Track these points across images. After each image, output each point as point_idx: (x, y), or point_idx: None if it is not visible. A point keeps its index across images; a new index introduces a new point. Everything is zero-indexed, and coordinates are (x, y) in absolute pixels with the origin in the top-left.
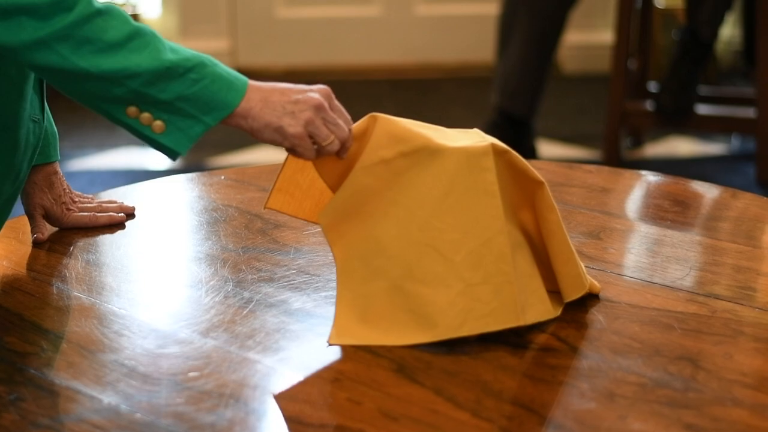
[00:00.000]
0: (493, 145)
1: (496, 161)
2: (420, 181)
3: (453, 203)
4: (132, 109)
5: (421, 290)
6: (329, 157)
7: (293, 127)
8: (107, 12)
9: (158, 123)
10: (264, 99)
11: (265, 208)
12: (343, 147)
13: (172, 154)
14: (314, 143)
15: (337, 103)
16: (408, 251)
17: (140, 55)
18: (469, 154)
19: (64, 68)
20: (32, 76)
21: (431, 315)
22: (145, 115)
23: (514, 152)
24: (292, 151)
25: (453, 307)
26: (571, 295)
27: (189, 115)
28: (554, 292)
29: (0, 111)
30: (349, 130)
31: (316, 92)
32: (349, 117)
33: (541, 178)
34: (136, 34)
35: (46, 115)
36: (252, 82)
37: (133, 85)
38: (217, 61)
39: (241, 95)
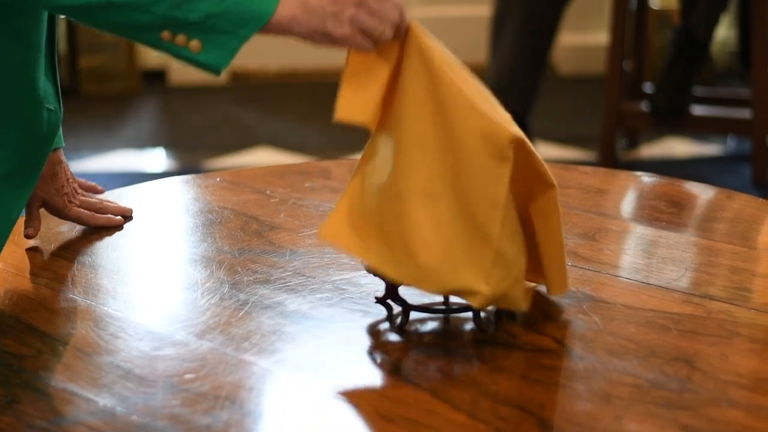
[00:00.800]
0: (517, 137)
1: (516, 153)
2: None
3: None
4: (165, 34)
5: (415, 218)
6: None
7: (339, 29)
8: None
9: (194, 43)
10: (303, 2)
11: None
12: (399, 30)
13: (214, 70)
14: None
15: None
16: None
17: None
18: (492, 134)
19: (86, 2)
20: (41, 60)
21: (416, 251)
22: (180, 38)
23: (532, 149)
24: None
25: (441, 255)
26: (557, 290)
27: (224, 31)
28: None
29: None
30: (400, 10)
31: None
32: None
33: (554, 181)
34: None
35: (61, 105)
36: None
37: (158, 10)
38: None
39: (275, 3)
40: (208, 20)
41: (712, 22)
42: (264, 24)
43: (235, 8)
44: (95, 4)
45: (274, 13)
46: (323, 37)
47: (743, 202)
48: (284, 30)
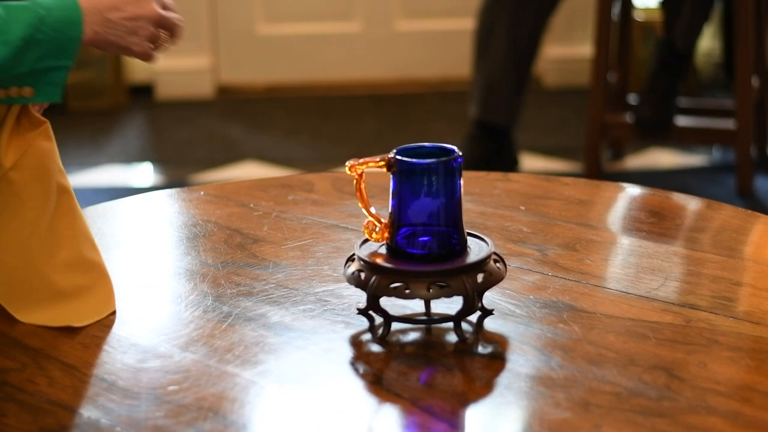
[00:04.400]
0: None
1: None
2: None
3: None
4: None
5: None
6: None
7: (138, 46)
8: None
9: (27, 89)
10: (104, 21)
11: None
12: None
13: (51, 103)
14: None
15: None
16: None
17: None
18: None
19: None
20: None
21: None
22: (13, 90)
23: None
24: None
25: None
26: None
27: (49, 69)
28: None
29: None
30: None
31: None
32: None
33: (68, 185)
34: None
35: None
36: (84, 5)
37: None
38: (46, 1)
39: (80, 27)
40: (36, 65)
41: (695, 34)
42: (77, 48)
43: (53, 45)
44: None
45: (82, 36)
46: (122, 51)
47: (724, 213)
48: (92, 45)
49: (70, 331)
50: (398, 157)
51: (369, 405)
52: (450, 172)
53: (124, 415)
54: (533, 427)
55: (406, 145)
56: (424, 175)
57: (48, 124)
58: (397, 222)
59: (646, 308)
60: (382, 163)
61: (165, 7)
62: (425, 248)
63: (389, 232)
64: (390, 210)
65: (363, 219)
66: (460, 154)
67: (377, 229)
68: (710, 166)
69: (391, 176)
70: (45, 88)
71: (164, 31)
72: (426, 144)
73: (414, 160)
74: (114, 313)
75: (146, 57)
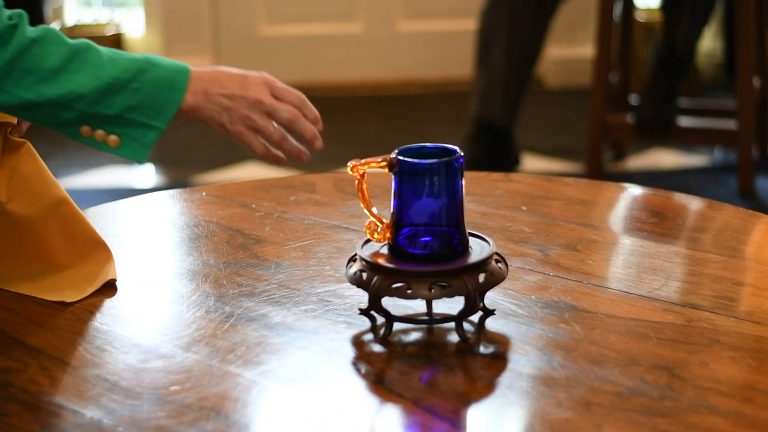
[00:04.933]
0: None
1: None
2: None
3: None
4: (85, 129)
5: None
6: None
7: (232, 125)
8: (43, 38)
9: (113, 138)
10: (205, 91)
11: None
12: (297, 126)
13: (134, 162)
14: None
15: (281, 85)
16: None
17: (81, 75)
18: None
19: (11, 103)
20: None
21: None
22: (99, 133)
23: None
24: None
25: None
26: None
27: (139, 124)
28: None
29: None
30: (300, 106)
31: (255, 83)
32: (299, 94)
33: (64, 194)
34: (74, 55)
35: None
36: (193, 71)
37: (80, 107)
38: (156, 59)
39: (182, 93)
40: (125, 114)
41: (695, 36)
42: (174, 114)
43: (148, 100)
44: (20, 103)
45: (182, 102)
46: (219, 127)
47: (727, 213)
48: (190, 115)
49: (71, 331)
50: (400, 157)
51: (371, 405)
52: (452, 172)
53: (126, 415)
54: (535, 427)
55: (408, 146)
56: (426, 175)
57: (28, 144)
58: (399, 222)
59: (648, 308)
60: (384, 163)
61: (277, 96)
62: (427, 248)
63: (391, 233)
64: (392, 210)
65: (365, 219)
66: (462, 154)
67: (379, 230)
68: (711, 166)
69: (393, 176)
70: (132, 144)
71: (270, 116)
72: (427, 144)
73: (416, 160)
74: (114, 283)
75: (242, 137)
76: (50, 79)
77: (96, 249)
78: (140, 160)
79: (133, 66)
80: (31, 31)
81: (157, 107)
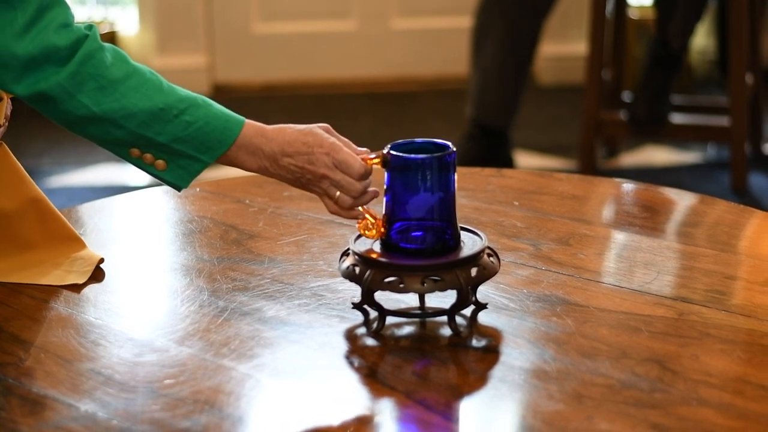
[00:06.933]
0: None
1: None
2: None
3: None
4: (135, 151)
5: None
6: None
7: (303, 187)
8: (111, 51)
9: (160, 162)
10: (274, 159)
11: None
12: (359, 203)
13: (176, 188)
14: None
15: (341, 157)
16: None
17: (137, 93)
18: None
19: (73, 113)
20: None
21: None
22: (148, 156)
23: None
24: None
25: None
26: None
27: (187, 156)
28: None
29: None
30: (362, 169)
31: (321, 154)
32: (360, 169)
33: (38, 193)
34: (135, 73)
35: None
36: (266, 147)
37: (131, 126)
38: (212, 102)
39: (232, 136)
40: (174, 144)
41: (688, 34)
42: (221, 152)
43: (199, 135)
44: (77, 110)
45: (233, 144)
46: (300, 188)
47: (719, 208)
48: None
49: (66, 325)
50: (392, 152)
51: (364, 398)
52: (444, 167)
53: (120, 409)
54: (527, 419)
55: (400, 141)
56: (419, 170)
57: (3, 145)
58: (392, 217)
59: (639, 302)
60: (377, 160)
61: (341, 170)
62: (419, 243)
63: (383, 228)
64: (384, 205)
65: (357, 215)
66: (454, 150)
67: (370, 225)
68: (705, 163)
69: (386, 172)
70: (177, 170)
71: (336, 186)
72: (418, 139)
73: (409, 155)
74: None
75: (327, 204)
76: (108, 89)
77: (73, 243)
78: (183, 187)
79: (189, 99)
80: (103, 43)
81: (207, 144)
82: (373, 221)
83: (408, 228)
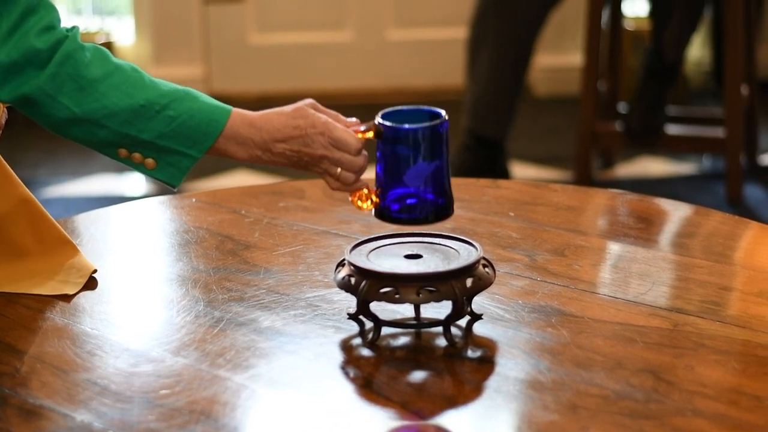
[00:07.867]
0: None
1: None
2: None
3: None
4: (123, 151)
5: None
6: None
7: (302, 168)
8: (90, 50)
9: (150, 161)
10: (266, 147)
11: None
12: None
13: (170, 186)
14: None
15: (337, 135)
16: None
17: (117, 91)
18: None
19: (52, 113)
20: None
21: None
22: (136, 155)
23: None
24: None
25: None
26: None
27: (175, 152)
28: None
29: None
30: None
31: (315, 134)
32: (356, 145)
33: (28, 195)
34: (116, 71)
35: None
36: (255, 136)
37: (113, 125)
38: (198, 94)
39: (219, 127)
40: (159, 141)
41: (683, 45)
42: (209, 144)
43: (183, 129)
44: (63, 118)
45: (220, 135)
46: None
47: (714, 219)
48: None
49: (62, 336)
50: (385, 123)
51: (359, 409)
52: (437, 136)
53: (116, 419)
54: (522, 430)
55: (389, 109)
56: (414, 139)
57: None
58: (385, 186)
59: (634, 312)
60: (371, 133)
61: (338, 148)
62: (413, 212)
63: (378, 197)
64: (376, 176)
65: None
66: (446, 118)
67: (364, 197)
68: (700, 174)
69: (378, 142)
70: (168, 168)
71: (336, 165)
72: (405, 107)
73: (402, 126)
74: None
75: (328, 182)
76: (88, 89)
77: (65, 248)
78: (176, 184)
79: (172, 94)
80: (83, 43)
81: (193, 138)
82: (367, 192)
83: (401, 197)
